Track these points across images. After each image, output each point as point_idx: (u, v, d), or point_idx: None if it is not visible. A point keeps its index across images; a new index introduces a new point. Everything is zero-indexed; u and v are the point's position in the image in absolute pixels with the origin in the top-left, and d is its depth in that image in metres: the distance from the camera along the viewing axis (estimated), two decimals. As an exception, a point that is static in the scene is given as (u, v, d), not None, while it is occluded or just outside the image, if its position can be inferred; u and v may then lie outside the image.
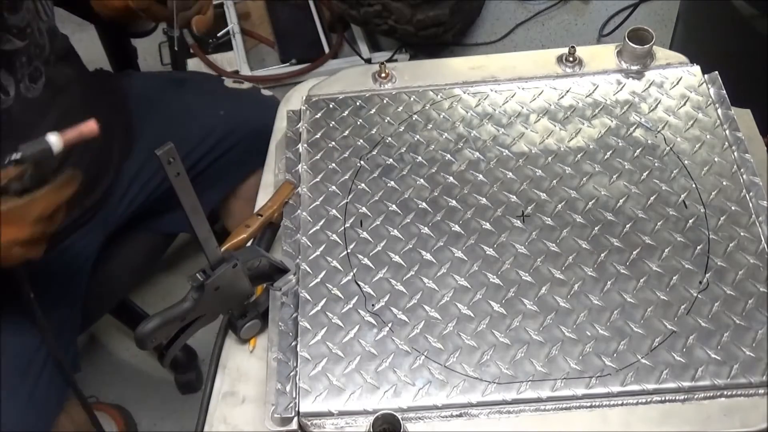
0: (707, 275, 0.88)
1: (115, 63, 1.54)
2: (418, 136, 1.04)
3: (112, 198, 1.20)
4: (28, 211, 0.88)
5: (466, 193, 0.97)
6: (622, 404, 0.81)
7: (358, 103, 1.08)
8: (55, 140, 0.79)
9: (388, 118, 1.06)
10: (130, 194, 1.22)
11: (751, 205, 0.93)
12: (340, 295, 0.89)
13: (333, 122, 1.06)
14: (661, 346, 0.83)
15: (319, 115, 1.07)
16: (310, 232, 0.95)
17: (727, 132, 1.00)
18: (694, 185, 0.96)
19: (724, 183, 0.95)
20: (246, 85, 1.40)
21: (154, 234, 1.36)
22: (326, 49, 2.28)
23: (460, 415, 0.81)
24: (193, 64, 2.17)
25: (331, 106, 1.08)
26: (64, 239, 1.15)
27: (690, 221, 0.92)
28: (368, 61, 2.25)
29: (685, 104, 1.03)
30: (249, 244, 0.95)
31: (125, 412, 1.63)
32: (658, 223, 0.92)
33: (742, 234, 0.91)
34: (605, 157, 0.99)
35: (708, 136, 1.00)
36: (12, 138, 0.96)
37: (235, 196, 1.36)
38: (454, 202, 0.97)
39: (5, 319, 1.08)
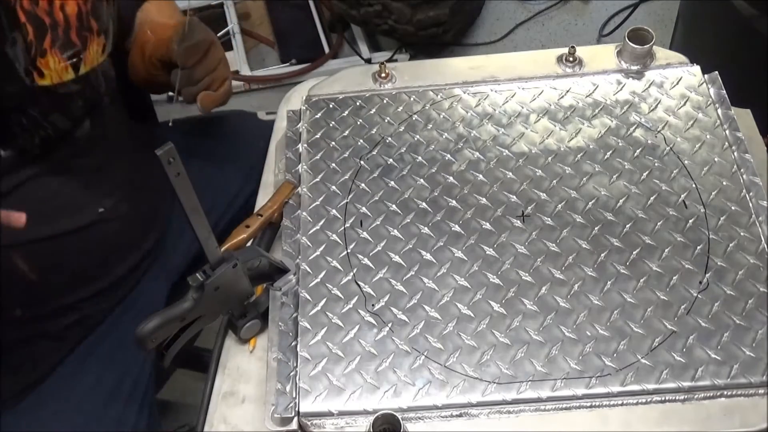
0: (707, 275, 0.88)
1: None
2: (418, 136, 1.04)
3: (166, 248, 1.19)
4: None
5: (466, 193, 0.97)
6: (622, 404, 0.81)
7: (358, 103, 1.08)
8: None
9: (388, 118, 1.06)
10: (183, 244, 1.21)
11: (751, 205, 0.93)
12: (340, 295, 0.89)
13: (333, 122, 1.06)
14: (661, 346, 0.83)
15: (319, 115, 1.07)
16: (310, 232, 0.95)
17: (727, 132, 1.00)
18: (694, 185, 0.96)
19: (724, 183, 0.95)
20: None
21: None
22: (326, 49, 2.28)
23: (460, 415, 0.81)
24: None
25: (331, 106, 1.08)
26: (133, 285, 1.14)
27: (690, 221, 0.92)
28: (368, 61, 2.25)
29: (685, 104, 1.03)
30: (249, 244, 0.95)
31: None
32: (658, 223, 0.93)
33: (742, 234, 0.91)
34: (605, 157, 0.99)
35: (708, 136, 1.00)
36: (61, 174, 0.97)
37: None
38: (454, 202, 0.97)
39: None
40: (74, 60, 0.97)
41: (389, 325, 0.87)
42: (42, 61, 0.92)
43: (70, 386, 1.07)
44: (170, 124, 1.04)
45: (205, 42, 1.03)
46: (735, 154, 0.98)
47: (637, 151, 1.00)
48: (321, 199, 0.98)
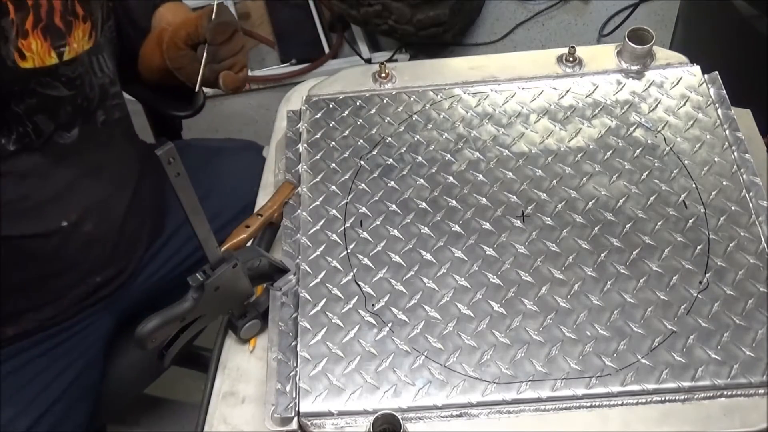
0: (707, 275, 0.88)
1: (158, 135, 1.50)
2: (418, 136, 1.04)
3: (125, 285, 1.18)
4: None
5: (466, 193, 0.97)
6: (622, 404, 0.81)
7: (358, 103, 1.08)
8: None
9: (388, 118, 1.06)
10: (150, 268, 1.21)
11: (751, 205, 0.93)
12: (340, 295, 0.89)
13: (333, 122, 1.06)
14: (661, 346, 0.83)
15: (319, 115, 1.07)
16: (310, 232, 0.95)
17: (727, 132, 1.00)
18: (694, 185, 0.96)
19: (724, 183, 0.95)
20: None
21: None
22: (326, 49, 2.28)
23: (460, 415, 0.81)
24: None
25: (331, 106, 1.08)
26: (76, 313, 1.13)
27: (690, 221, 0.92)
28: (368, 61, 2.25)
29: (685, 104, 1.03)
30: (249, 244, 0.95)
31: None
32: (658, 223, 0.92)
33: (742, 234, 0.91)
34: (605, 157, 0.99)
35: (708, 136, 1.00)
36: (35, 176, 0.96)
37: None
38: (454, 202, 0.97)
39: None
40: (59, 45, 0.96)
41: (389, 325, 0.87)
42: (24, 43, 0.91)
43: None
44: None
45: (233, 23, 1.08)
46: (735, 154, 0.98)
47: (637, 151, 1.00)
48: (321, 199, 0.98)
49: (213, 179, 1.28)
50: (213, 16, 1.05)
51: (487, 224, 0.94)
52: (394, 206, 0.97)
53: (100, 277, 1.13)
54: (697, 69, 1.07)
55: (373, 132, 1.04)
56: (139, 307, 1.20)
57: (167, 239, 1.23)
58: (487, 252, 0.92)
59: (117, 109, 1.12)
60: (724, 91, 1.04)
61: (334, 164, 1.01)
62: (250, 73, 2.22)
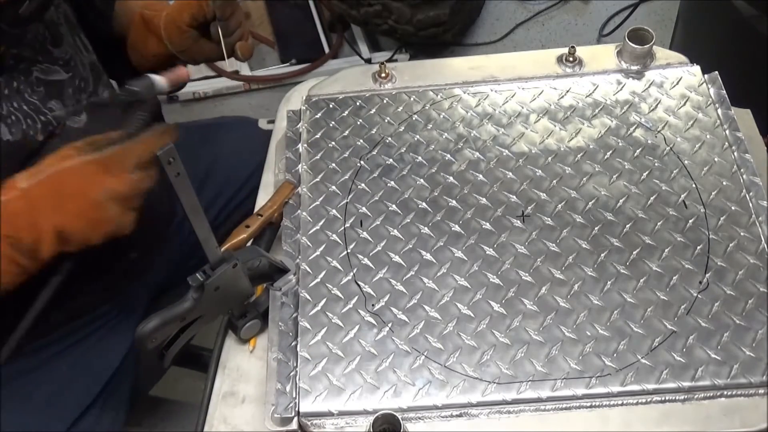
0: (707, 275, 0.88)
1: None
2: (418, 136, 1.04)
3: (166, 247, 1.18)
4: (128, 155, 0.85)
5: (466, 193, 0.97)
6: (622, 404, 0.81)
7: (358, 103, 1.08)
8: (158, 78, 0.83)
9: (388, 118, 1.06)
10: (179, 238, 1.20)
11: (751, 205, 0.93)
12: (340, 295, 0.89)
13: (333, 122, 1.06)
14: (661, 346, 0.83)
15: (319, 115, 1.07)
16: (310, 232, 0.95)
17: (727, 132, 1.00)
18: (694, 185, 0.96)
19: (724, 183, 0.95)
20: None
21: None
22: (326, 49, 2.28)
23: (460, 415, 0.81)
24: (195, 67, 2.17)
25: (331, 106, 1.08)
26: (113, 297, 1.13)
27: (690, 221, 0.92)
28: (368, 61, 2.25)
29: (685, 104, 1.03)
30: (249, 244, 0.95)
31: None
32: (658, 223, 0.92)
33: (742, 234, 0.91)
34: (605, 157, 0.99)
35: (708, 136, 1.00)
36: None
37: None
38: (454, 202, 0.97)
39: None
40: None
41: (389, 325, 0.87)
42: None
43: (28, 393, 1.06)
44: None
45: None
46: (735, 154, 0.98)
47: (637, 151, 1.00)
48: (321, 199, 0.98)
49: (213, 156, 1.28)
50: None
51: (487, 224, 0.94)
52: (394, 206, 0.97)
53: (136, 252, 1.13)
54: (697, 69, 1.07)
55: (373, 132, 1.04)
56: (171, 283, 1.21)
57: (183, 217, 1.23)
58: (487, 252, 0.92)
59: (107, 85, 1.12)
60: (724, 91, 1.04)
61: (334, 164, 1.01)
62: (250, 73, 2.23)
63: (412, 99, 1.08)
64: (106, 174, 0.84)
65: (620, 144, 1.00)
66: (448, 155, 1.01)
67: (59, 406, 1.07)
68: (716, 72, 1.06)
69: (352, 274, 0.91)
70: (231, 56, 1.11)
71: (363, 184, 0.99)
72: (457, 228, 0.94)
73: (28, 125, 0.94)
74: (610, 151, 1.00)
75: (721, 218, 0.92)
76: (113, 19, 1.17)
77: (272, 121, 1.35)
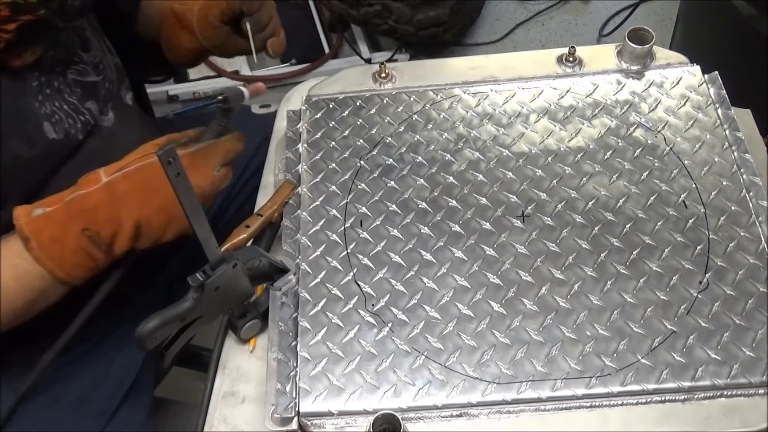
0: (707, 275, 0.88)
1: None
2: (418, 136, 1.04)
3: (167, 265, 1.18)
4: (213, 152, 0.91)
5: (466, 193, 0.97)
6: (622, 404, 0.81)
7: (358, 103, 1.08)
8: (244, 89, 0.94)
9: (388, 118, 1.06)
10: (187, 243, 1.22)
11: (751, 205, 0.93)
12: (340, 295, 0.89)
13: (333, 122, 1.06)
14: (661, 346, 0.83)
15: (319, 115, 1.07)
16: (310, 232, 0.95)
17: (727, 132, 1.00)
18: (694, 185, 0.96)
19: (724, 183, 0.95)
20: (273, 107, 1.39)
21: None
22: (326, 49, 2.28)
23: (460, 415, 0.81)
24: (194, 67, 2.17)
25: (331, 106, 1.08)
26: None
27: (690, 221, 0.92)
28: (368, 61, 2.25)
29: (685, 104, 1.03)
30: (249, 244, 0.95)
31: None
32: (658, 223, 0.92)
33: (742, 234, 0.91)
34: (605, 157, 0.99)
35: (708, 136, 1.00)
36: (98, 160, 0.97)
37: None
38: (454, 202, 0.97)
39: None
40: None
41: (389, 325, 0.87)
42: None
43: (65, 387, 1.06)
44: (170, 116, 1.05)
45: None
46: (735, 154, 0.98)
47: (637, 151, 1.00)
48: (321, 199, 0.98)
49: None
50: None
51: (487, 224, 0.94)
52: (394, 206, 0.97)
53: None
54: (697, 69, 1.07)
55: (373, 132, 1.04)
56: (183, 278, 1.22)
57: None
58: (487, 252, 0.92)
59: (130, 88, 1.13)
60: (724, 91, 1.04)
61: (334, 164, 1.01)
62: (249, 73, 2.23)
63: (412, 99, 1.08)
64: (192, 170, 0.87)
65: (620, 144, 1.00)
66: (448, 155, 1.01)
67: (91, 406, 1.07)
68: (716, 72, 1.06)
69: (352, 274, 0.91)
70: (261, 52, 1.10)
71: (363, 184, 0.99)
72: (457, 228, 0.94)
73: (69, 124, 0.96)
74: (610, 151, 1.00)
75: (721, 218, 0.92)
76: (137, 19, 1.17)
77: (265, 106, 1.34)
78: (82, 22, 1.02)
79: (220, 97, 0.92)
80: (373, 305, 0.88)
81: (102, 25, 1.10)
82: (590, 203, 0.95)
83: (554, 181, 0.97)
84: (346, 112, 1.07)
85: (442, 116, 1.05)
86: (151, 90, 1.46)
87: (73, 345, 1.07)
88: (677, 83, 1.06)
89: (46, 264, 0.84)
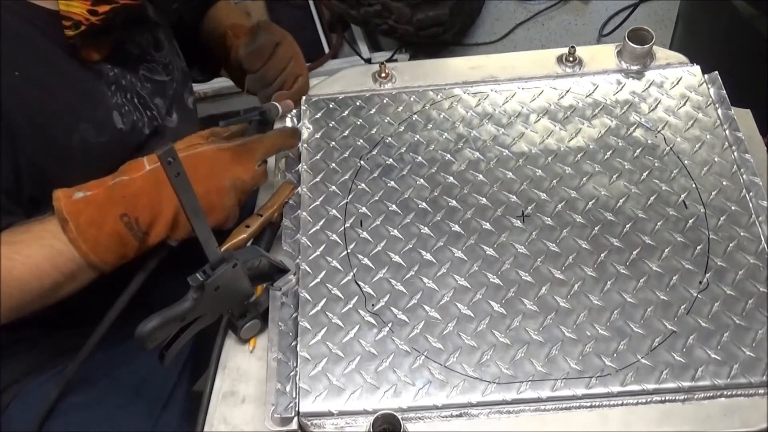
0: (707, 275, 0.88)
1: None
2: (418, 136, 1.04)
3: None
4: (257, 148, 0.93)
5: (466, 193, 0.97)
6: (622, 404, 0.81)
7: (358, 103, 1.08)
8: (279, 106, 1.03)
9: (388, 118, 1.06)
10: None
11: (751, 205, 0.93)
12: (340, 295, 0.89)
13: (333, 122, 1.06)
14: (661, 346, 0.83)
15: (319, 115, 1.07)
16: (310, 232, 0.95)
17: (727, 132, 1.00)
18: (694, 185, 0.96)
19: (724, 183, 0.95)
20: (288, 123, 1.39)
21: None
22: (326, 49, 2.28)
23: (460, 415, 0.81)
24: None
25: (331, 106, 1.08)
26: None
27: (690, 221, 0.92)
28: (368, 61, 2.25)
29: (685, 104, 1.03)
30: (249, 244, 0.95)
31: None
32: (658, 223, 0.92)
33: (742, 234, 0.91)
34: (605, 157, 0.99)
35: (708, 136, 1.00)
36: None
37: None
38: (454, 202, 0.97)
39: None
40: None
41: (389, 325, 0.87)
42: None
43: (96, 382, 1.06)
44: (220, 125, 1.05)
45: (269, 44, 1.06)
46: (735, 154, 0.98)
47: (637, 151, 1.00)
48: (321, 199, 0.98)
49: None
50: (248, 42, 1.06)
51: (487, 224, 0.94)
52: (394, 206, 0.97)
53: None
54: (697, 69, 1.07)
55: (373, 132, 1.04)
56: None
57: None
58: (487, 252, 0.92)
59: (193, 92, 1.15)
60: (724, 91, 1.04)
61: (334, 164, 1.01)
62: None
63: (412, 99, 1.08)
64: (236, 163, 0.89)
65: (620, 144, 1.00)
66: (448, 155, 1.01)
67: (143, 402, 1.07)
68: (716, 72, 1.06)
69: (352, 274, 0.91)
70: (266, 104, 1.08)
71: (363, 184, 0.99)
72: (457, 228, 0.94)
73: (137, 117, 0.97)
74: (610, 151, 1.00)
75: (721, 218, 0.92)
76: (202, 28, 1.18)
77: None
78: (164, 21, 1.03)
79: (259, 112, 0.99)
80: (373, 305, 0.88)
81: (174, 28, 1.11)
82: (590, 203, 0.95)
83: (554, 181, 0.97)
84: (346, 112, 1.07)
85: (442, 116, 1.05)
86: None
87: (118, 341, 1.07)
88: (677, 83, 1.06)
89: (81, 247, 0.84)
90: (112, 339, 1.05)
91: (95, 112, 0.92)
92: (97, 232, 0.85)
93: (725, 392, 0.80)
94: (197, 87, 2.17)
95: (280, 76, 1.08)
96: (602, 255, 0.90)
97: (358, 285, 0.90)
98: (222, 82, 2.21)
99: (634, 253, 0.90)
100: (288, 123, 1.07)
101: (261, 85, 1.08)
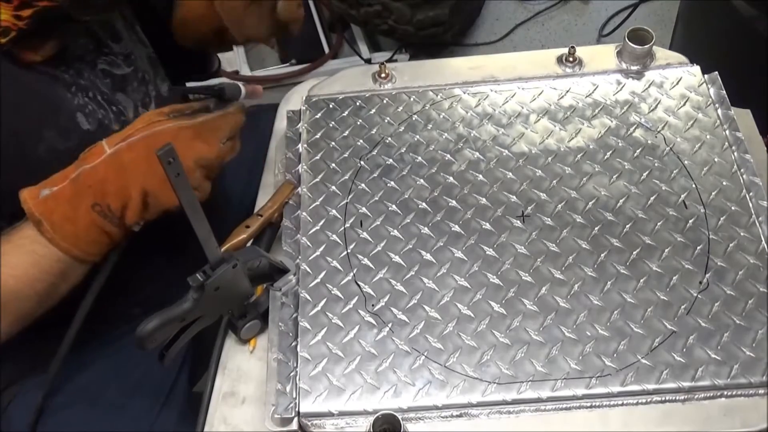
0: (707, 275, 0.88)
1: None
2: (418, 136, 1.04)
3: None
4: (220, 123, 0.91)
5: (466, 193, 0.97)
6: (622, 404, 0.81)
7: (358, 103, 1.08)
8: (242, 87, 0.97)
9: (388, 118, 1.06)
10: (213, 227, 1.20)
11: (751, 205, 0.93)
12: (340, 295, 0.89)
13: (333, 122, 1.06)
14: (661, 346, 0.83)
15: (319, 115, 1.07)
16: (310, 232, 0.95)
17: (727, 132, 1.00)
18: (694, 185, 0.96)
19: (724, 183, 0.95)
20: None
21: None
22: (326, 49, 2.28)
23: (460, 415, 0.81)
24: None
25: (331, 106, 1.08)
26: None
27: (690, 221, 0.92)
28: (368, 61, 2.25)
29: (685, 104, 1.03)
30: (249, 244, 0.95)
31: None
32: (658, 223, 0.92)
33: (742, 234, 0.91)
34: (605, 157, 0.99)
35: (708, 136, 1.00)
36: None
37: None
38: (454, 202, 0.97)
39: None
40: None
41: (389, 325, 0.87)
42: None
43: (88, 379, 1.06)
44: (165, 94, 1.04)
45: None
46: (735, 154, 0.98)
47: (637, 151, 1.00)
48: (321, 199, 0.98)
49: (262, 141, 1.26)
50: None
51: (487, 224, 0.94)
52: (394, 206, 0.97)
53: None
54: (697, 69, 1.07)
55: (373, 132, 1.04)
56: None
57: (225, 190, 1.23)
58: (487, 252, 0.92)
59: (166, 79, 1.12)
60: (724, 91, 1.04)
61: (334, 164, 1.01)
62: (249, 73, 2.23)
63: (412, 99, 1.08)
64: (198, 140, 0.87)
65: (620, 144, 1.00)
66: (448, 155, 1.01)
67: (140, 401, 1.06)
68: (716, 72, 1.06)
69: (352, 274, 0.91)
70: (278, 35, 1.03)
71: (363, 184, 0.99)
72: (457, 228, 0.94)
73: (103, 115, 0.95)
74: (610, 151, 1.00)
75: (721, 218, 0.92)
76: (172, 16, 1.13)
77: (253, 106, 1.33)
78: (111, 15, 1.00)
79: (216, 87, 0.93)
80: (373, 305, 0.88)
81: (138, 16, 1.08)
82: (590, 203, 0.95)
83: (554, 182, 0.97)
84: (346, 113, 1.07)
85: (442, 116, 1.05)
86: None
87: (114, 339, 1.06)
88: (677, 83, 1.06)
89: (61, 245, 0.84)
90: (107, 337, 1.05)
91: (58, 117, 0.90)
92: (74, 227, 0.84)
93: (725, 392, 0.80)
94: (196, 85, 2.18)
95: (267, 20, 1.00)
96: (602, 255, 0.90)
97: (358, 285, 0.90)
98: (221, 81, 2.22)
99: (634, 253, 0.90)
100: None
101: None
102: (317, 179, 1.00)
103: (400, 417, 0.76)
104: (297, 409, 0.82)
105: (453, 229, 0.94)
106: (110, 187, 0.85)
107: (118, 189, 0.85)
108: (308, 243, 0.94)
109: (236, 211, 1.27)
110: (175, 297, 1.14)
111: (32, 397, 1.00)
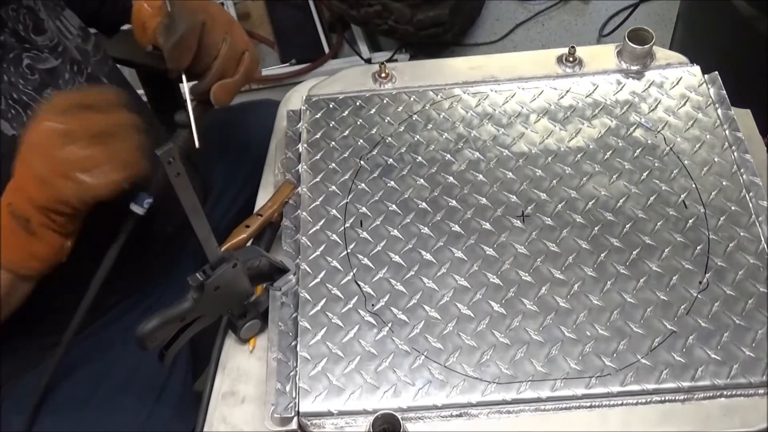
0: (707, 275, 0.88)
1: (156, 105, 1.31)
2: (418, 136, 1.04)
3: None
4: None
5: (466, 193, 0.97)
6: (621, 404, 0.81)
7: (358, 103, 1.08)
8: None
9: (388, 118, 1.06)
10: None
11: (751, 205, 0.93)
12: (340, 295, 0.89)
13: (333, 122, 1.06)
14: (661, 346, 0.83)
15: (319, 115, 1.07)
16: (310, 232, 0.95)
17: (727, 132, 1.00)
18: (694, 185, 0.96)
19: (724, 183, 0.95)
20: None
21: None
22: (326, 49, 2.28)
23: (460, 415, 0.81)
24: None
25: (331, 106, 1.08)
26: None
27: (690, 221, 0.92)
28: (368, 61, 2.25)
29: (685, 104, 1.03)
30: (249, 244, 0.95)
31: None
32: (658, 223, 0.92)
33: (742, 234, 0.91)
34: (605, 157, 0.99)
35: (708, 136, 1.00)
36: None
37: None
38: (454, 202, 0.97)
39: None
40: None
41: (389, 325, 0.87)
42: None
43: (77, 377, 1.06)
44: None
45: (193, 30, 0.86)
46: (735, 154, 0.98)
47: (637, 151, 1.00)
48: (321, 199, 0.98)
49: (245, 137, 1.27)
50: (165, 31, 0.85)
51: (487, 224, 0.94)
52: (394, 206, 0.97)
53: (171, 227, 1.11)
54: (697, 69, 1.07)
55: (373, 132, 1.04)
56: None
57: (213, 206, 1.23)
58: (487, 252, 0.92)
59: (104, 62, 1.06)
60: (724, 91, 1.04)
61: (334, 164, 1.01)
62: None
63: (412, 99, 1.08)
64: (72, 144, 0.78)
65: (620, 144, 1.00)
66: (448, 155, 1.01)
67: (133, 397, 1.06)
68: (716, 72, 1.06)
69: (352, 274, 0.91)
70: (206, 101, 0.92)
71: (363, 184, 0.99)
72: (457, 228, 0.94)
73: (28, 116, 0.92)
74: (610, 151, 1.00)
75: (721, 218, 0.92)
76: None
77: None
78: (30, 2, 0.95)
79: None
80: (373, 305, 0.88)
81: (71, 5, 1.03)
82: (590, 203, 0.95)
83: (554, 181, 0.97)
84: (346, 112, 1.07)
85: (442, 116, 1.05)
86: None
87: (96, 332, 1.06)
88: (677, 83, 1.06)
89: None
90: (89, 330, 1.04)
91: None
92: None
93: (725, 392, 0.80)
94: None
95: (216, 62, 0.89)
96: (602, 255, 0.90)
97: (358, 285, 0.90)
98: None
99: (634, 253, 0.90)
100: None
101: (196, 80, 0.90)
102: (317, 179, 1.00)
103: (399, 417, 0.76)
104: (297, 409, 0.82)
105: (453, 228, 0.94)
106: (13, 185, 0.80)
107: (17, 186, 0.80)
108: (308, 243, 0.94)
109: (230, 203, 1.27)
110: (153, 285, 1.13)
111: (27, 395, 1.00)
